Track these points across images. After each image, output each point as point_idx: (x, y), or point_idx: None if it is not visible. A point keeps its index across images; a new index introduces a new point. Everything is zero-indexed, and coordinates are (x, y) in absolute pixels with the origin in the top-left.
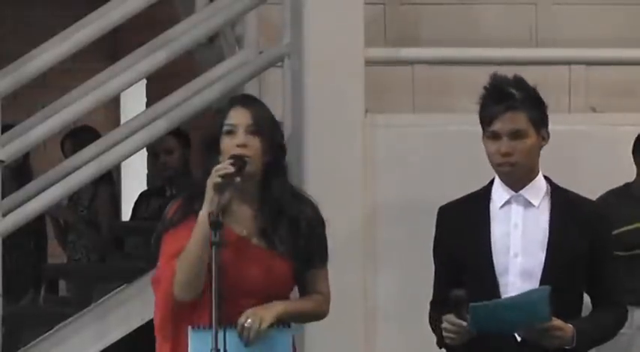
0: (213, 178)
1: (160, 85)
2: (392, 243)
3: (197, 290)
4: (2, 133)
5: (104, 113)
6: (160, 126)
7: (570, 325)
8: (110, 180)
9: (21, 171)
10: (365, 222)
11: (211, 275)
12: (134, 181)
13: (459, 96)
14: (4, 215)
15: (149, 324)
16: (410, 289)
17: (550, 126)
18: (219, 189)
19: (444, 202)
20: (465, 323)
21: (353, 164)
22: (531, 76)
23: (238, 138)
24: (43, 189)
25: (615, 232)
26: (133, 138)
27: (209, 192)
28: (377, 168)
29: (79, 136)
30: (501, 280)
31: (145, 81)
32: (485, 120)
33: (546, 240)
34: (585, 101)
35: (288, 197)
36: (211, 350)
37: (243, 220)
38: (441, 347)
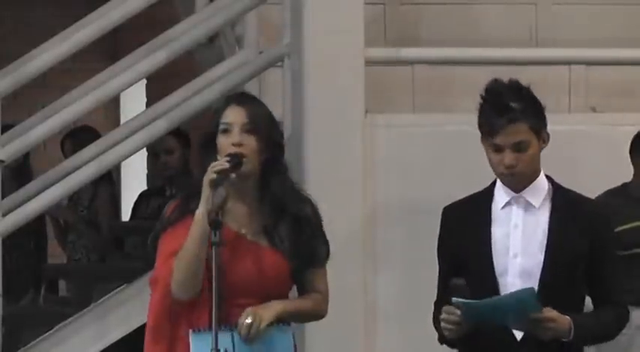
0: (209, 175)
1: (159, 85)
2: (392, 243)
3: (195, 288)
4: (2, 133)
5: (104, 113)
6: (160, 126)
7: (567, 317)
8: (110, 180)
9: (21, 171)
10: (365, 222)
11: (209, 274)
12: (134, 181)
13: (459, 96)
14: (4, 215)
15: None
16: (410, 289)
17: (550, 126)
18: (214, 185)
19: (444, 202)
20: (458, 312)
21: (353, 164)
22: (531, 76)
23: (233, 136)
24: (43, 189)
25: None
26: (133, 138)
27: (205, 190)
28: (377, 168)
29: (78, 136)
30: (501, 280)
31: (144, 81)
32: (485, 130)
33: (546, 240)
34: (585, 101)
35: (290, 195)
36: (211, 350)
37: (240, 218)
38: (442, 343)
